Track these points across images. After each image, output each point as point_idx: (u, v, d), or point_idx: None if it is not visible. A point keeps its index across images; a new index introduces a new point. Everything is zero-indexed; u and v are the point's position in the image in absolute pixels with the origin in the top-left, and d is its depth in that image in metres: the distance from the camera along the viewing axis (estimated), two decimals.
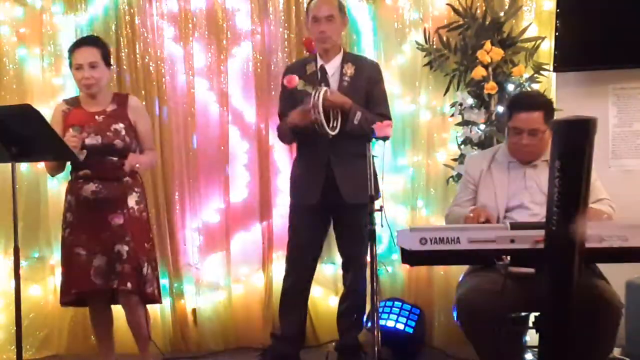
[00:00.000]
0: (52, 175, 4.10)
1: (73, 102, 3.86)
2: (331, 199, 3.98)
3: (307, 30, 4.22)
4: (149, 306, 3.90)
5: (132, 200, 3.75)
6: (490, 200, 3.42)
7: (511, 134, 3.40)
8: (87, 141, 3.68)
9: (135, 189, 3.79)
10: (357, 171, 3.84)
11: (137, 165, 3.76)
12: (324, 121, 3.74)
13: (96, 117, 3.75)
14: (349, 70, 4.00)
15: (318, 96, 3.72)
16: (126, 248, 3.68)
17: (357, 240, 4.01)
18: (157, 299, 3.86)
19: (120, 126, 3.74)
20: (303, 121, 3.84)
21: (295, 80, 3.76)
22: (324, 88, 3.80)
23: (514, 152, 3.44)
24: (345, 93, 3.92)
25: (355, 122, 3.84)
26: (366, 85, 4.01)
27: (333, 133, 3.82)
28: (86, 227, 3.73)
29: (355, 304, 4.18)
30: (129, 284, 3.67)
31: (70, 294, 3.78)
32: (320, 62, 4.03)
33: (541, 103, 3.41)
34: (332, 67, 4.02)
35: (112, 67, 3.95)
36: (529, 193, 3.38)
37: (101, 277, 3.68)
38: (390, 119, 4.03)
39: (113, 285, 3.68)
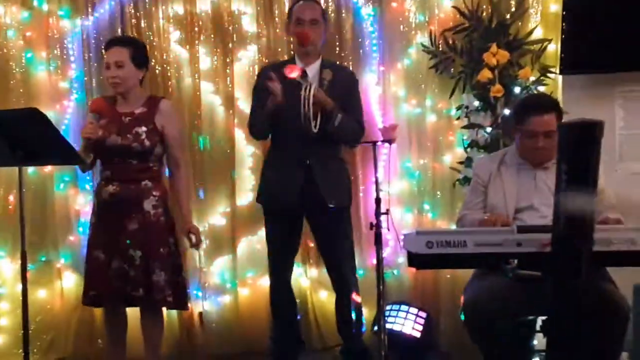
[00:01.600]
0: (83, 172, 4.14)
1: (109, 100, 3.85)
2: (309, 202, 3.97)
3: (287, 32, 4.25)
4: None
5: (148, 205, 3.72)
6: (500, 201, 3.41)
7: (525, 138, 3.37)
8: (108, 141, 3.69)
9: (154, 193, 3.74)
10: (337, 175, 4.00)
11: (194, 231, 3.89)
12: (311, 115, 3.76)
13: (123, 117, 3.74)
14: (327, 75, 3.98)
15: (309, 90, 3.75)
16: (139, 253, 3.66)
17: (340, 245, 4.04)
18: (171, 305, 3.82)
19: (142, 129, 3.72)
20: (276, 100, 3.81)
21: (299, 71, 3.81)
22: (314, 84, 3.84)
23: (528, 155, 3.41)
24: None
25: (336, 124, 3.85)
26: (343, 93, 3.99)
27: (315, 130, 3.82)
28: (105, 229, 3.73)
29: (349, 311, 4.15)
30: (140, 290, 3.66)
31: (89, 296, 3.77)
32: (299, 65, 4.01)
33: (552, 104, 3.41)
34: (311, 71, 4.00)
35: (145, 69, 3.87)
36: (539, 195, 3.37)
37: (118, 281, 3.66)
38: (363, 126, 4.09)
39: (127, 290, 3.67)
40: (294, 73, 3.80)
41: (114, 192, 3.71)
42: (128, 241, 3.66)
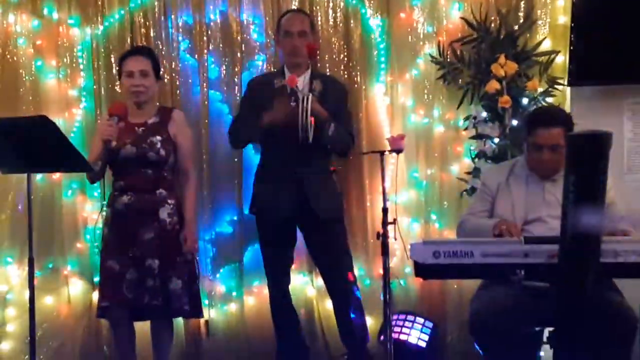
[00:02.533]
0: (92, 182, 4.08)
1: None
2: (302, 213, 3.99)
3: (277, 44, 4.27)
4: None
5: (163, 213, 3.73)
6: (508, 213, 3.40)
7: (531, 150, 3.38)
8: (123, 151, 3.69)
9: (169, 201, 3.76)
10: (328, 187, 4.04)
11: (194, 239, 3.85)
12: (310, 126, 3.78)
13: (136, 128, 3.76)
14: (318, 86, 4.01)
15: (307, 101, 3.77)
16: (157, 262, 3.66)
17: (335, 257, 4.05)
18: (187, 314, 3.84)
19: (157, 139, 3.74)
20: (283, 117, 3.83)
21: (297, 81, 3.86)
22: (311, 94, 3.85)
23: (535, 167, 3.42)
24: None
25: (330, 134, 3.87)
26: (333, 103, 4.01)
27: (310, 141, 3.84)
28: (119, 240, 3.72)
29: (350, 321, 4.13)
30: (160, 299, 3.65)
31: (101, 307, 3.75)
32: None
33: (561, 119, 3.39)
34: (301, 82, 4.01)
35: (161, 81, 3.92)
36: (547, 207, 3.36)
37: (133, 292, 3.65)
38: (354, 136, 4.14)
39: (144, 300, 3.65)
40: (294, 84, 3.84)
41: (129, 202, 3.72)
42: (157, 252, 3.65)
